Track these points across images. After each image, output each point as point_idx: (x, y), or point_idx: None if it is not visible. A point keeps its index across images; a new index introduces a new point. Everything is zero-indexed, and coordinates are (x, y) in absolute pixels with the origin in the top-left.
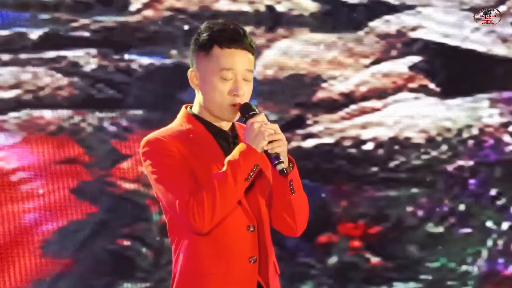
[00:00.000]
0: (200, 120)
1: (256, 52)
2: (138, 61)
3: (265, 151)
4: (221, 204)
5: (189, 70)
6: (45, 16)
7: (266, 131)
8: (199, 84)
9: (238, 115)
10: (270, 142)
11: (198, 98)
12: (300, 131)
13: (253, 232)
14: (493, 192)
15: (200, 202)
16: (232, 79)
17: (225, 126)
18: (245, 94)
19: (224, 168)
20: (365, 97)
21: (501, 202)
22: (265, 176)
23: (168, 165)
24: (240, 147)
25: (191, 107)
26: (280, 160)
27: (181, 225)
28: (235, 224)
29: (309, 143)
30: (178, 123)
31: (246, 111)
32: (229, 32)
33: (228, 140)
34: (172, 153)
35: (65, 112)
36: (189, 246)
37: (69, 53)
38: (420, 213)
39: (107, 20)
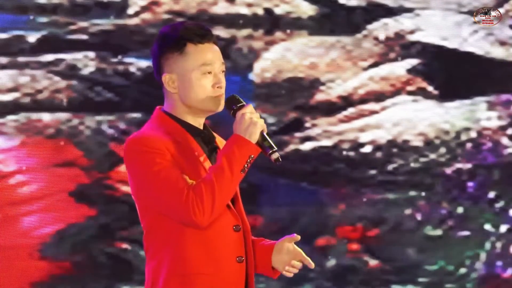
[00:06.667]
0: (177, 120)
1: (254, 55)
2: (136, 64)
3: (258, 141)
4: (220, 197)
5: (162, 76)
6: (43, 19)
7: (258, 122)
8: (178, 85)
9: (222, 105)
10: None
11: (173, 99)
12: (298, 134)
13: (239, 232)
14: (492, 194)
15: (199, 196)
16: (212, 73)
17: (201, 125)
18: (224, 85)
19: (220, 161)
20: (363, 100)
21: (499, 204)
22: None
23: (160, 163)
24: (232, 139)
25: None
26: (274, 149)
27: (163, 228)
28: (222, 223)
29: (307, 146)
30: (156, 124)
31: (233, 103)
32: (197, 29)
33: (205, 139)
34: (162, 151)
35: (63, 115)
36: (176, 247)
37: (67, 56)
38: (418, 216)
39: (105, 23)
